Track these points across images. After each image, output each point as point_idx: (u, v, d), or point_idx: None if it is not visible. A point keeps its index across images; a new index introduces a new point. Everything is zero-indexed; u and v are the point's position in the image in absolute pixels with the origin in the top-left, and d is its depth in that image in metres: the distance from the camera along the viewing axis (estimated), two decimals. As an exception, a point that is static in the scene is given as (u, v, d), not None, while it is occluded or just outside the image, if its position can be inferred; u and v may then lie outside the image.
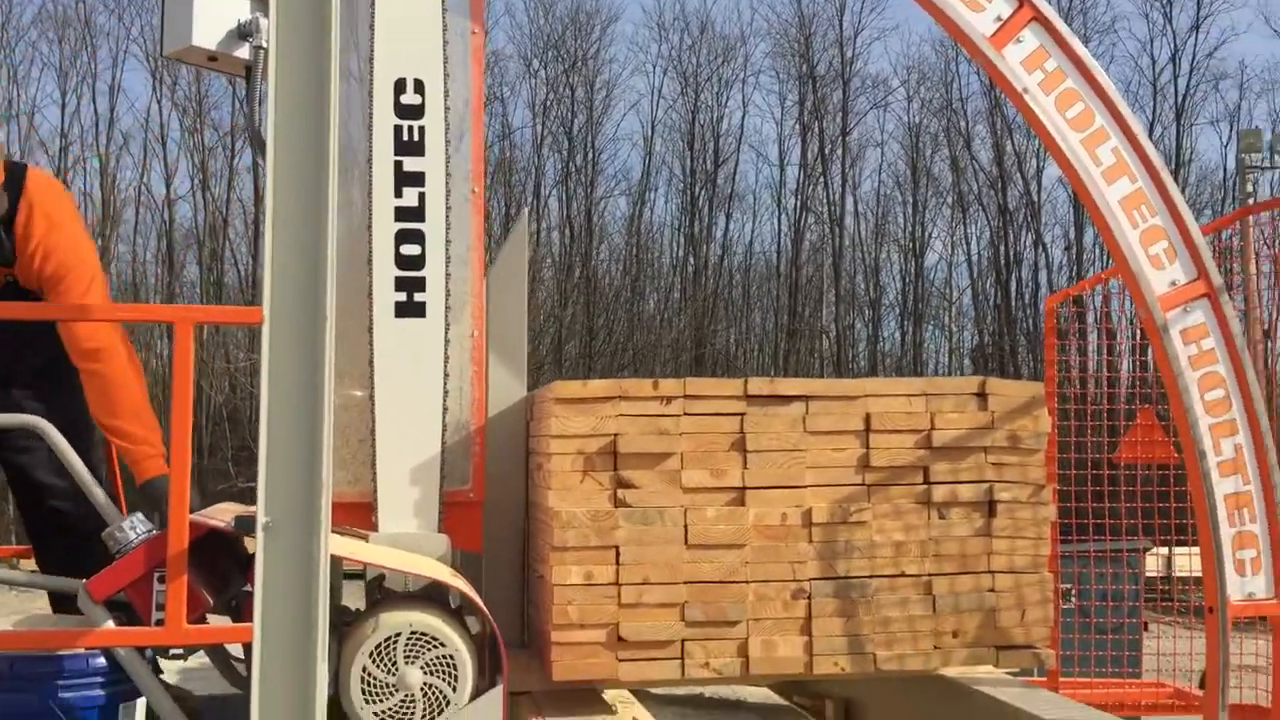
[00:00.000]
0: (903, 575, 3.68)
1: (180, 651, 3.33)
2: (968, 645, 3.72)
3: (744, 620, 3.58)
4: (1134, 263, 3.93)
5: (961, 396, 3.79)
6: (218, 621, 3.27)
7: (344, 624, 3.19)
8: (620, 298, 31.41)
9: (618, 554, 3.51)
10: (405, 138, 3.70)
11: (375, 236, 3.67)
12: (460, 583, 3.32)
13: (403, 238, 3.69)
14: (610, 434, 3.56)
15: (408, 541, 3.57)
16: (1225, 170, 29.88)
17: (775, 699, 6.06)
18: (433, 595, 3.34)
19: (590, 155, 31.60)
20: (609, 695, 4.12)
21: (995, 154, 31.42)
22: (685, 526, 3.56)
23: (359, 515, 3.70)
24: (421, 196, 3.70)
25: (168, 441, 3.09)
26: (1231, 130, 29.85)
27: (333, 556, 2.74)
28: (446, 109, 3.74)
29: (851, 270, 32.25)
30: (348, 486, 3.75)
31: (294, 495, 2.53)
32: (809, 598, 3.62)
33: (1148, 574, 8.51)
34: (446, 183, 3.72)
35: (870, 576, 3.66)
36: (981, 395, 3.80)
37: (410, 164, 3.70)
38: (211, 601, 3.08)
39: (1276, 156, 18.70)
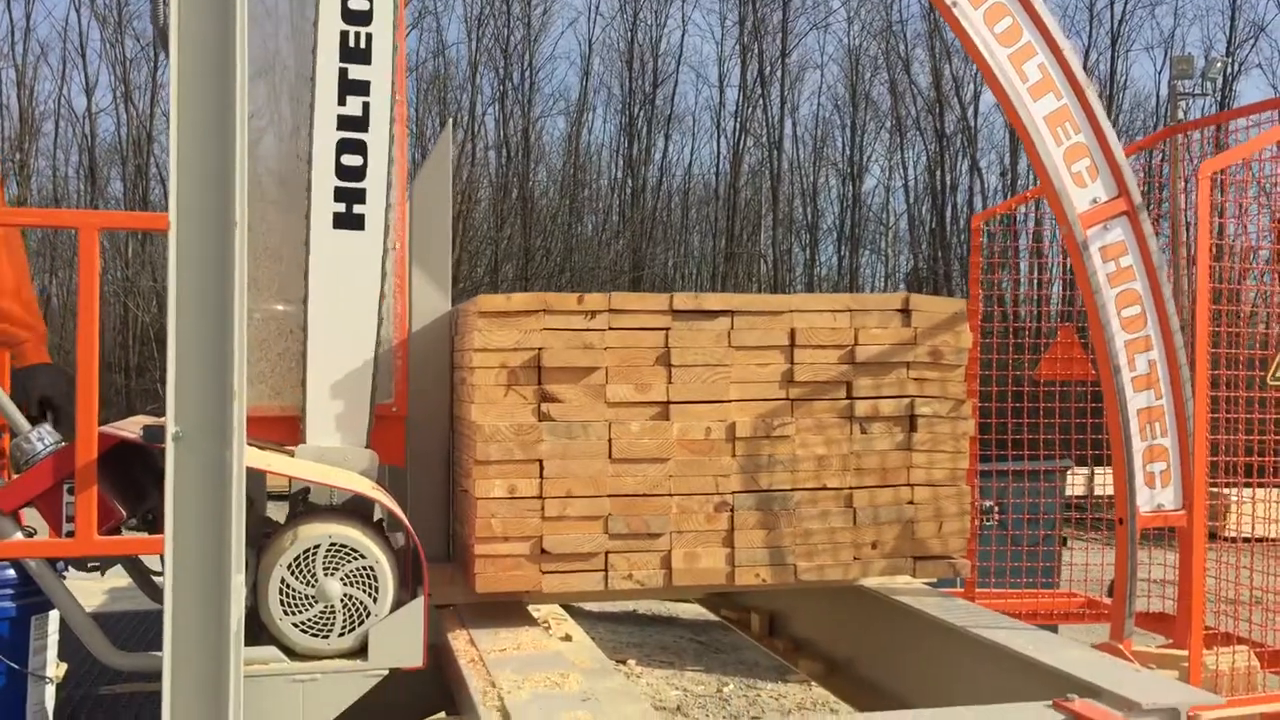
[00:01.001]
0: (824, 488, 3.73)
1: (97, 565, 3.28)
2: (886, 556, 3.79)
3: (667, 533, 3.61)
4: (1057, 180, 3.96)
5: (885, 312, 3.81)
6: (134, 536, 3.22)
7: (264, 537, 3.16)
8: (558, 219, 31.15)
9: (541, 467, 3.51)
10: (352, 44, 3.58)
11: (315, 145, 3.55)
12: (381, 495, 3.30)
13: (344, 147, 3.58)
14: (534, 348, 3.54)
15: (334, 456, 3.53)
16: (1158, 97, 30.21)
17: (706, 614, 6.17)
18: (354, 509, 3.32)
19: (527, 74, 31.10)
20: (543, 612, 4.16)
21: (934, 79, 31.44)
22: (609, 440, 3.57)
23: (282, 429, 3.65)
24: (366, 106, 3.58)
25: (74, 350, 3.01)
26: (1165, 56, 30.15)
27: (254, 471, 2.71)
28: (394, 13, 3.62)
29: (790, 194, 32.29)
30: (269, 400, 3.69)
31: (205, 405, 2.48)
32: (731, 510, 3.65)
33: (1070, 493, 8.73)
34: (391, 93, 3.61)
35: (792, 490, 3.70)
36: (905, 311, 3.82)
37: (355, 72, 3.58)
38: (125, 515, 3.03)
39: (1208, 83, 18.92)
